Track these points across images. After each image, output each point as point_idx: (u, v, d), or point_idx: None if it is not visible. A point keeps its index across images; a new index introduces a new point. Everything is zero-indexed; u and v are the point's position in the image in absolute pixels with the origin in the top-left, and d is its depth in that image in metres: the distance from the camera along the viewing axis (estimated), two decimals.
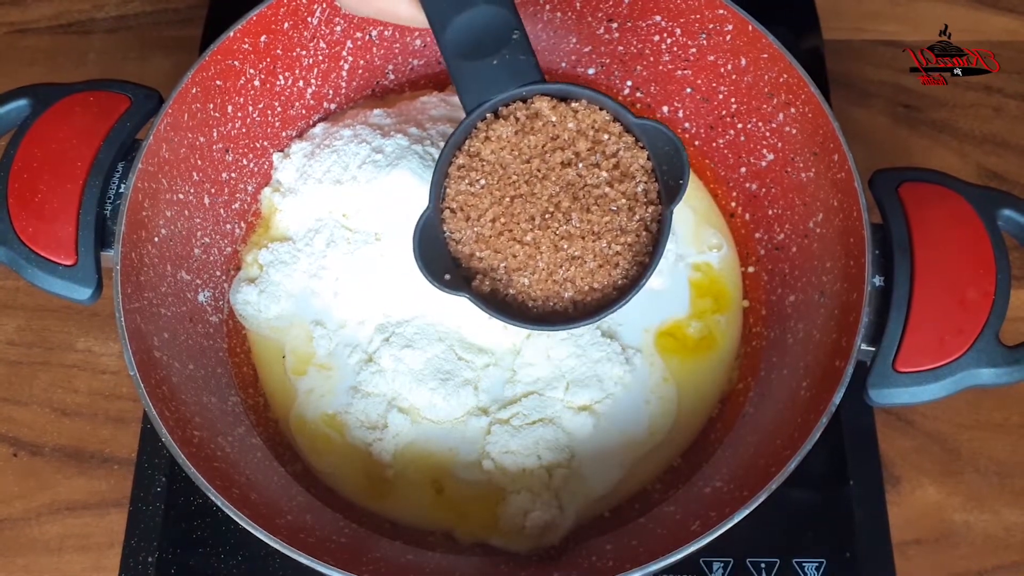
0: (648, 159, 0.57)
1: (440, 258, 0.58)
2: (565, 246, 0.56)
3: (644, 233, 0.57)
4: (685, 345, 0.70)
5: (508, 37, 0.56)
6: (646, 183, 0.57)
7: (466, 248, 0.58)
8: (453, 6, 0.56)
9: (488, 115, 0.58)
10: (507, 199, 0.57)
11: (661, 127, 0.57)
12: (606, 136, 0.58)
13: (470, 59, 0.56)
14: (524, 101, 0.58)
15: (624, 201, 0.57)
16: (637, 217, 0.57)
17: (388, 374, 0.67)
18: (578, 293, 0.57)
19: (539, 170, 0.57)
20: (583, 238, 0.56)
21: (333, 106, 0.78)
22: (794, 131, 0.69)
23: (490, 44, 0.56)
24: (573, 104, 0.58)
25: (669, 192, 0.57)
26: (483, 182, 0.57)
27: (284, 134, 0.76)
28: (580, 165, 0.57)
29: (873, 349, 0.60)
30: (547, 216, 0.56)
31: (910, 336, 0.59)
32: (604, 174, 0.57)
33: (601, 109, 0.58)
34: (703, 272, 0.72)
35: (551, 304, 0.58)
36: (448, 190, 0.58)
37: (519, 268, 0.57)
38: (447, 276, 0.57)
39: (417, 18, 0.57)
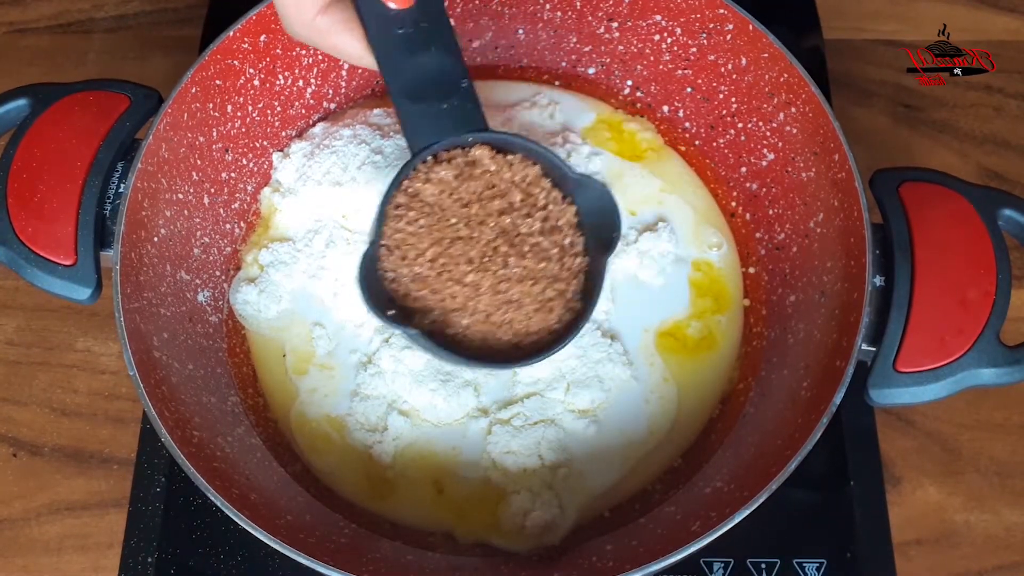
0: (576, 215, 0.59)
1: (383, 292, 0.58)
2: (504, 288, 0.57)
3: (575, 282, 0.58)
4: (685, 345, 0.70)
5: (457, 85, 0.57)
6: (572, 237, 0.59)
7: (401, 287, 0.58)
8: (403, 50, 0.56)
9: (429, 158, 0.58)
10: (446, 240, 0.57)
11: (595, 182, 0.58)
12: (536, 190, 0.59)
13: (418, 101, 0.57)
14: (463, 148, 0.59)
15: (556, 251, 0.58)
16: (567, 266, 0.58)
17: (388, 375, 0.67)
18: (515, 336, 0.58)
19: (477, 215, 0.58)
20: (520, 282, 0.57)
21: (333, 106, 0.78)
22: (795, 131, 0.69)
23: (439, 90, 0.57)
24: (509, 156, 0.59)
25: (604, 243, 0.58)
26: (422, 222, 0.58)
27: (284, 134, 0.76)
28: (515, 214, 0.58)
29: (874, 349, 0.59)
30: (486, 259, 0.57)
31: (911, 336, 0.59)
32: (537, 224, 0.58)
33: (535, 164, 0.59)
34: (703, 272, 0.72)
35: (488, 345, 0.58)
36: (385, 228, 0.58)
37: (457, 309, 0.57)
38: (391, 311, 0.57)
39: (365, 58, 0.57)
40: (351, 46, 0.57)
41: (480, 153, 0.58)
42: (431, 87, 0.57)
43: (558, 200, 0.59)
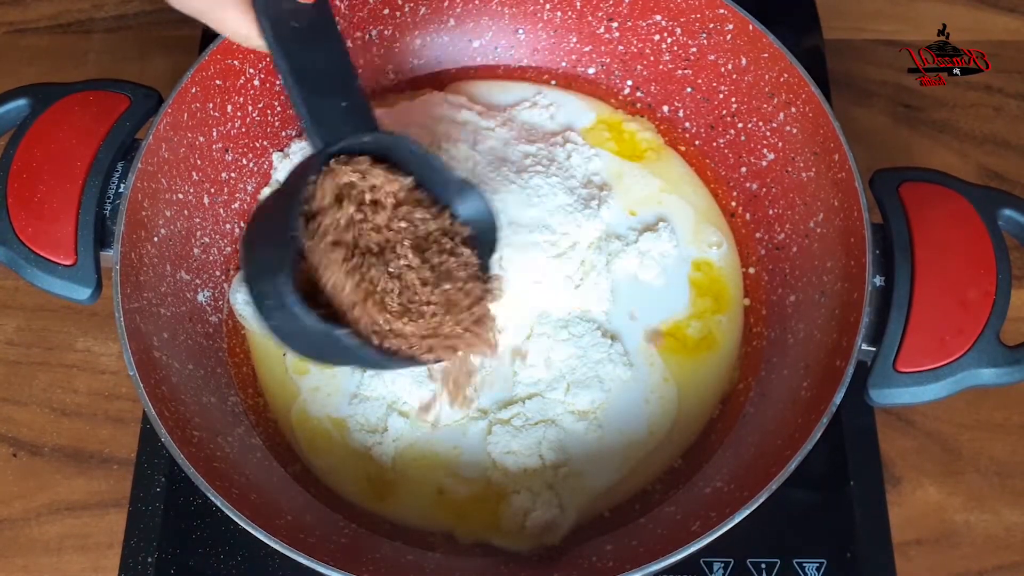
0: (446, 220, 0.58)
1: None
2: (419, 286, 0.55)
3: (471, 284, 0.57)
4: (685, 345, 0.70)
5: (351, 85, 0.57)
6: (449, 240, 0.58)
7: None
8: (299, 43, 0.56)
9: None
10: (355, 254, 0.55)
11: (471, 188, 0.57)
12: (410, 201, 0.57)
13: (317, 96, 0.56)
14: (343, 155, 0.57)
15: (444, 252, 0.57)
16: (456, 262, 0.57)
17: (387, 377, 0.67)
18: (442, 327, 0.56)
19: (366, 223, 0.56)
20: (427, 285, 0.56)
21: None
22: (795, 131, 0.69)
23: (335, 88, 0.57)
24: (385, 167, 0.57)
25: (489, 245, 0.58)
26: (327, 238, 0.55)
27: (284, 133, 0.76)
28: (400, 223, 0.56)
29: (874, 349, 0.59)
30: (396, 266, 0.55)
31: (911, 336, 0.59)
32: (422, 228, 0.57)
33: (409, 175, 0.57)
34: (703, 271, 0.72)
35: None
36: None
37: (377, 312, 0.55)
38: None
39: (252, 39, 0.55)
40: (241, 24, 0.55)
41: (361, 164, 0.56)
42: (327, 82, 0.56)
43: (425, 211, 0.58)
